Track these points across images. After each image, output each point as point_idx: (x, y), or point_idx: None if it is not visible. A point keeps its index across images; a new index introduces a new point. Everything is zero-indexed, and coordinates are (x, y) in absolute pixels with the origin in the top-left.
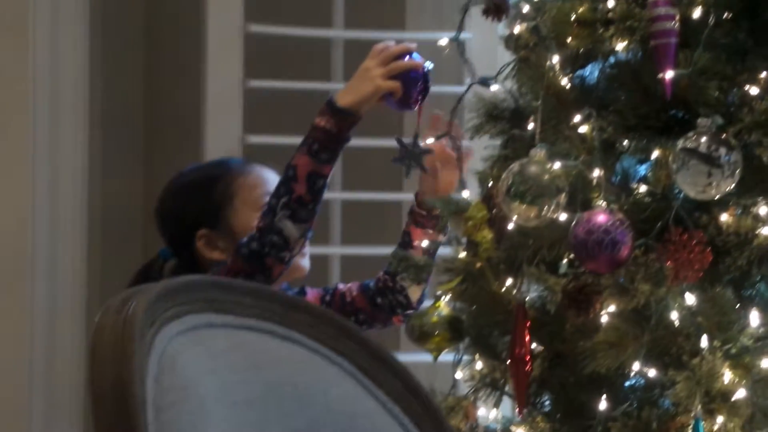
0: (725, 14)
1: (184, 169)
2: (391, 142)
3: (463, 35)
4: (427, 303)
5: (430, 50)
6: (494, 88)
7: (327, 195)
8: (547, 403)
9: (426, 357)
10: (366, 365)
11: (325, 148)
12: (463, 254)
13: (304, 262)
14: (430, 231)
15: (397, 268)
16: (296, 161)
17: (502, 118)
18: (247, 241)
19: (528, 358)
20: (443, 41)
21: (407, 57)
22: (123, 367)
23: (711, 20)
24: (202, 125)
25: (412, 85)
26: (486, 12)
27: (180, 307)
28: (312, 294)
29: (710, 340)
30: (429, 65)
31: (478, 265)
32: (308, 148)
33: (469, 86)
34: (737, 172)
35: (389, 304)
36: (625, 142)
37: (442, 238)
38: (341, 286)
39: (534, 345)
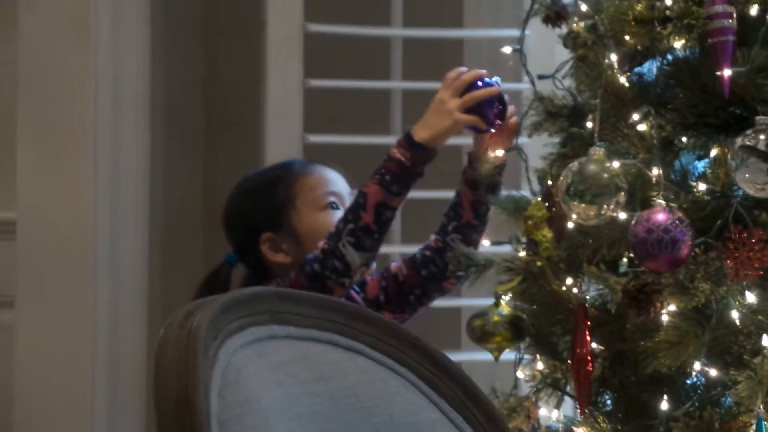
0: None
1: (248, 174)
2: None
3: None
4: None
5: (489, 47)
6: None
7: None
8: (609, 403)
9: (487, 357)
10: (428, 375)
11: (397, 181)
12: (523, 253)
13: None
14: (481, 193)
15: (458, 266)
16: (367, 189)
17: (560, 116)
18: (311, 260)
19: (589, 357)
20: (506, 49)
21: (480, 82)
22: (187, 382)
23: None
24: (263, 125)
25: (488, 109)
26: (546, 20)
27: (243, 319)
28: (371, 282)
29: None
30: (498, 80)
31: (539, 264)
32: (380, 178)
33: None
34: None
35: (439, 271)
36: (684, 140)
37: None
38: (393, 266)
39: (595, 345)
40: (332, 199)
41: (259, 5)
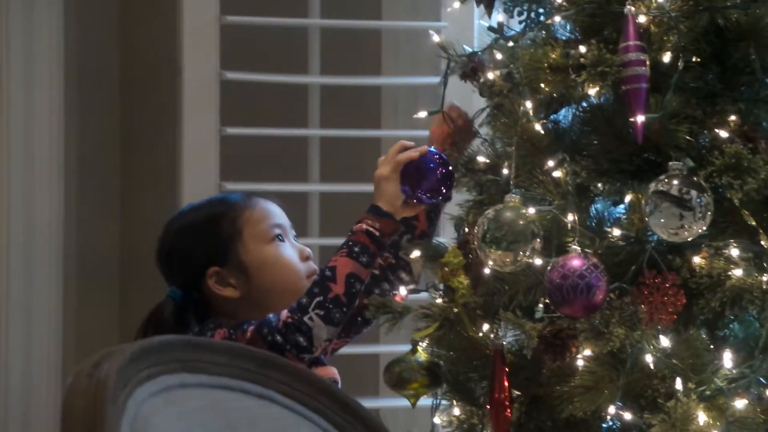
0: (694, 59)
1: (181, 209)
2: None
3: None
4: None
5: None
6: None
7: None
8: None
9: (405, 403)
10: (340, 421)
11: (367, 252)
12: (440, 300)
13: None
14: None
15: (375, 314)
16: (334, 262)
17: (477, 170)
18: (270, 330)
19: (508, 402)
20: (423, 114)
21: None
22: None
23: (681, 65)
24: (179, 172)
25: (431, 173)
26: (464, 76)
27: (153, 368)
28: None
29: (685, 382)
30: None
31: (455, 310)
32: (348, 251)
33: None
34: (709, 214)
35: (392, 288)
36: (599, 186)
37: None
38: None
39: (512, 390)
40: (278, 231)
41: (176, 52)
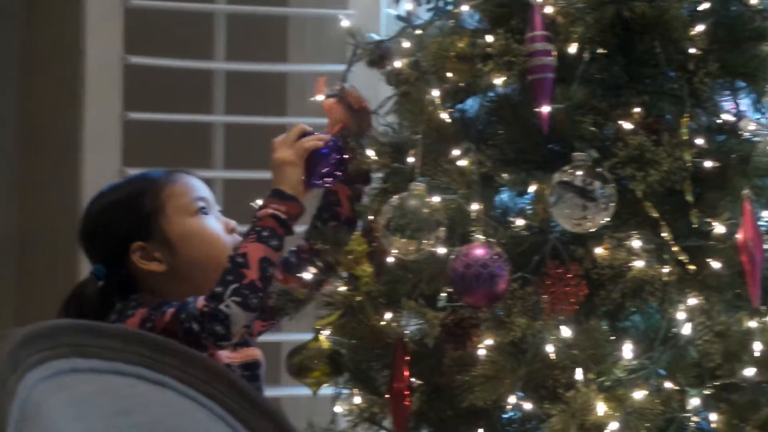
0: (600, 50)
1: (102, 188)
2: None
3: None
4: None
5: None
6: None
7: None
8: None
9: (307, 391)
10: (236, 407)
11: (276, 235)
12: (343, 288)
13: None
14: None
15: (277, 302)
16: (245, 249)
17: (383, 154)
18: (188, 316)
19: (407, 392)
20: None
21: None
22: None
23: (586, 56)
24: (80, 157)
25: (325, 160)
26: (371, 63)
27: (44, 352)
28: None
29: (585, 372)
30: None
31: (358, 298)
32: (257, 236)
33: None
34: (612, 205)
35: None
36: (504, 176)
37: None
38: None
39: (413, 379)
40: (201, 204)
41: (79, 35)
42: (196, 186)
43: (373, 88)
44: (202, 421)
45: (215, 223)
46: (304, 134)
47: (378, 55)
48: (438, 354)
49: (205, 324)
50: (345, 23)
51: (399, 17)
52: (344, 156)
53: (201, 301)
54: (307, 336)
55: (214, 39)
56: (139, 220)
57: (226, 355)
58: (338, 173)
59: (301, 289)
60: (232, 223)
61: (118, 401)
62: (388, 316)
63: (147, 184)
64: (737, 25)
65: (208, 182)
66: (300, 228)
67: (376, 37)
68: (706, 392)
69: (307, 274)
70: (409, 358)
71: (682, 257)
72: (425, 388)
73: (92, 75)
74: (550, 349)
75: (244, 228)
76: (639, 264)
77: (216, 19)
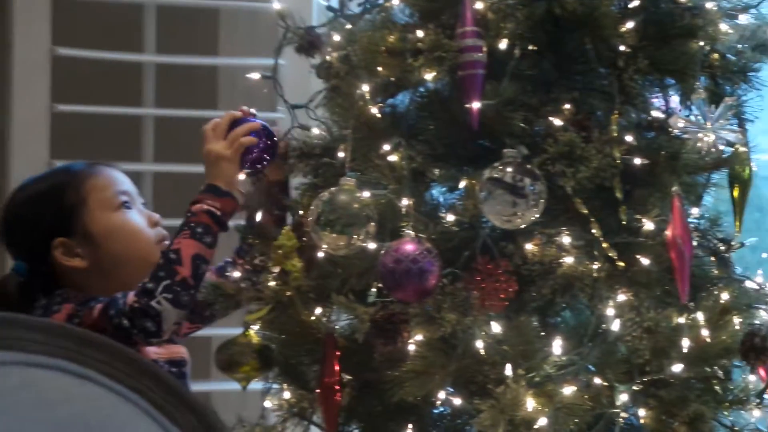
0: (531, 46)
1: (24, 181)
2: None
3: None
4: (236, 332)
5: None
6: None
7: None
8: None
9: (236, 386)
10: (161, 402)
11: (210, 232)
12: (273, 283)
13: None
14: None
15: (208, 298)
16: (178, 245)
17: (313, 154)
18: (117, 312)
19: (337, 387)
20: (255, 75)
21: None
22: None
23: (517, 52)
24: (8, 149)
25: (255, 145)
26: (300, 49)
27: None
28: None
29: (514, 368)
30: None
31: (288, 293)
32: (191, 232)
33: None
34: (541, 202)
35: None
36: (435, 171)
37: None
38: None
39: (343, 374)
40: (124, 198)
41: (6, 28)
42: (119, 179)
43: (304, 81)
44: (126, 415)
45: (138, 218)
46: (236, 122)
47: (307, 41)
48: (368, 349)
49: (136, 320)
50: (277, 5)
51: (330, 8)
52: (273, 141)
53: (131, 296)
54: (237, 331)
55: (144, 31)
56: (61, 214)
57: (153, 351)
58: (267, 158)
59: (231, 285)
60: (156, 216)
61: (41, 394)
62: (318, 311)
63: (68, 177)
64: (667, 22)
65: (138, 175)
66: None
67: (307, 26)
68: (635, 388)
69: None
70: (339, 353)
71: (612, 254)
72: (355, 383)
73: (20, 66)
74: (479, 344)
75: (172, 221)
76: (569, 260)
77: (146, 10)
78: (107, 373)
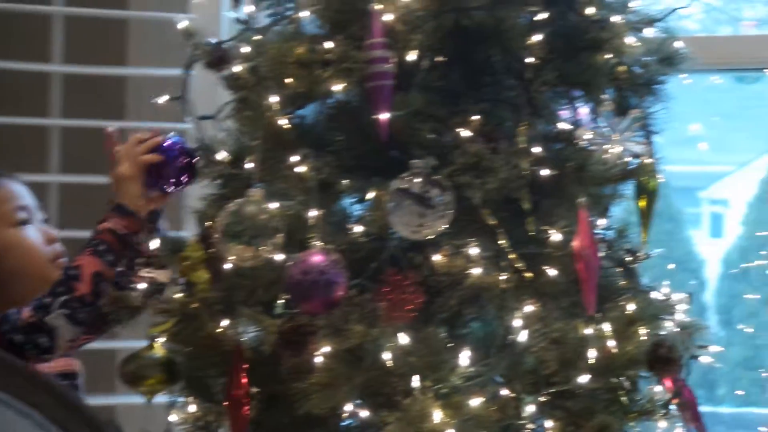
0: (439, 58)
1: None
2: None
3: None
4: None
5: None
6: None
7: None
8: None
9: (141, 399)
10: (59, 417)
11: (113, 250)
12: (178, 295)
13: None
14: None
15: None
16: (79, 262)
17: (220, 163)
18: (11, 327)
19: (245, 399)
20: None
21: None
22: None
23: (425, 64)
24: None
25: (172, 163)
26: (209, 65)
27: None
28: None
29: (422, 379)
30: (176, 138)
31: (194, 305)
32: (93, 249)
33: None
34: (449, 212)
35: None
36: (343, 182)
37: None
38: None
39: (250, 386)
40: (23, 214)
41: None
42: (19, 194)
43: (212, 92)
44: (23, 430)
45: (35, 234)
46: (140, 143)
47: (216, 57)
48: (275, 361)
49: (30, 335)
50: (183, 24)
51: (238, 21)
52: (191, 159)
53: (27, 311)
54: (142, 343)
55: (52, 41)
56: None
57: (44, 365)
58: (187, 177)
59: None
60: (53, 233)
61: None
62: (224, 323)
63: None
64: (574, 35)
65: (44, 186)
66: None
67: (215, 40)
68: (542, 399)
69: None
70: (246, 365)
71: (519, 265)
72: (262, 395)
73: None
74: (387, 356)
75: (77, 233)
76: (476, 271)
77: (54, 20)
78: (3, 388)
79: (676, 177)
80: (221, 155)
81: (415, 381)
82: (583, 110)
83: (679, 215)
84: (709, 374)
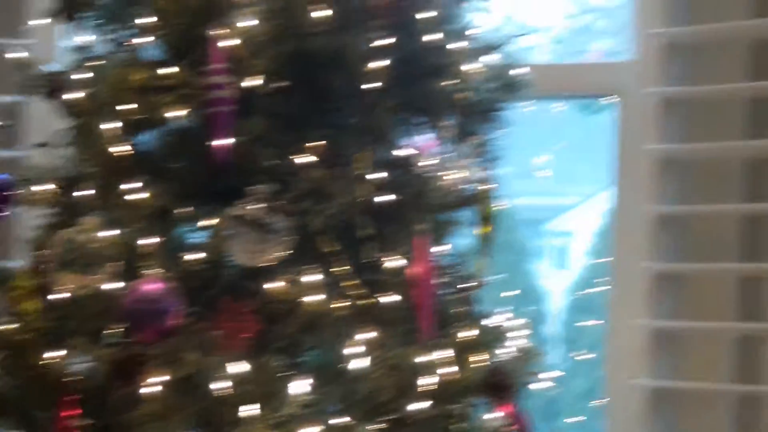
0: (281, 83)
1: None
2: None
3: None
4: None
5: None
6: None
7: None
8: None
9: None
10: None
11: None
12: (8, 325)
13: None
14: None
15: None
16: None
17: (52, 191)
18: None
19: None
20: None
21: None
22: None
23: (268, 89)
24: None
25: None
26: (48, 95)
27: None
28: None
29: (258, 408)
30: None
31: (24, 336)
32: None
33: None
34: (288, 239)
35: None
36: (181, 210)
37: None
38: None
39: (82, 418)
40: None
41: None
42: None
43: (50, 119)
44: None
45: None
46: None
47: (52, 88)
48: (107, 392)
49: None
50: (17, 54)
51: (75, 48)
52: (8, 192)
53: None
54: None
55: None
56: None
57: None
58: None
59: None
60: None
61: None
62: (55, 353)
63: None
64: (415, 61)
65: None
66: None
67: (51, 68)
68: (378, 426)
69: None
70: (77, 396)
71: (358, 291)
72: (95, 427)
73: None
74: (222, 385)
75: None
76: (315, 298)
77: None
78: None
79: (521, 209)
80: (54, 183)
81: (251, 410)
82: (425, 136)
83: (524, 247)
84: (552, 405)
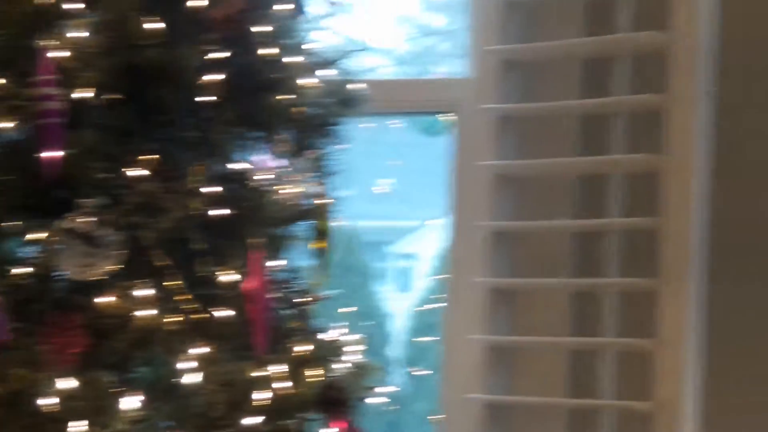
0: (113, 95)
1: None
2: None
3: None
4: None
5: None
6: None
7: None
8: None
9: None
10: None
11: None
12: None
13: None
14: None
15: None
16: None
17: None
18: None
19: None
20: None
21: None
22: None
23: (99, 101)
24: None
25: None
26: None
27: None
28: None
29: (89, 424)
30: None
31: None
32: None
33: None
34: (118, 253)
35: None
36: (9, 223)
37: None
38: None
39: None
40: None
41: None
42: None
43: None
44: None
45: None
46: None
47: None
48: None
49: None
50: None
51: None
52: None
53: None
54: None
55: None
56: None
57: None
58: None
59: None
60: None
61: None
62: None
63: None
64: (251, 75)
65: None
66: None
67: None
68: None
69: None
70: None
71: (191, 306)
72: None
73: None
74: (50, 401)
75: None
76: (146, 313)
77: None
78: None
79: (364, 232)
80: None
81: (79, 426)
82: (261, 150)
83: (367, 269)
84: (394, 428)
